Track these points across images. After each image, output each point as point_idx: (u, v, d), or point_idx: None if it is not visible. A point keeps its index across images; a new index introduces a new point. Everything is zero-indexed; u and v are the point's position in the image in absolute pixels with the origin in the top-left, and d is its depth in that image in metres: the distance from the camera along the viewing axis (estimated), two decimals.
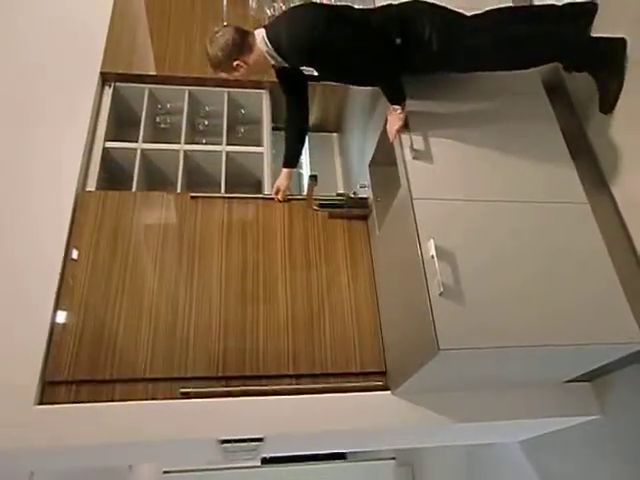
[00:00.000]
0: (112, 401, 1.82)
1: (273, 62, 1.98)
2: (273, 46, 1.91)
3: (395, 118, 1.95)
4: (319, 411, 1.89)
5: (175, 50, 2.67)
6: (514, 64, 2.03)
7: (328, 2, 2.66)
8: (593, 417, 2.01)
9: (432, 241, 1.64)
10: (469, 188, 1.83)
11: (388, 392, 1.93)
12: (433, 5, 1.97)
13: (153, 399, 1.84)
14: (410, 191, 1.80)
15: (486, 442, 2.90)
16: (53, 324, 1.91)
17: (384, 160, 2.10)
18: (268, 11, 2.80)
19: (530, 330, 1.59)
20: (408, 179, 1.83)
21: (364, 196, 2.28)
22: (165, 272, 2.09)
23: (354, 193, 2.29)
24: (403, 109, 1.93)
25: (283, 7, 2.76)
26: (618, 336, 1.61)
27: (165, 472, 4.20)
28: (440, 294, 1.57)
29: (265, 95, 2.68)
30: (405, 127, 1.94)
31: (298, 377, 1.95)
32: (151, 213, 2.23)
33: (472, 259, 1.67)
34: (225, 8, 2.86)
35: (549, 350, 1.60)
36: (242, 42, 1.93)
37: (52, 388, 1.83)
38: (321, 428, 1.90)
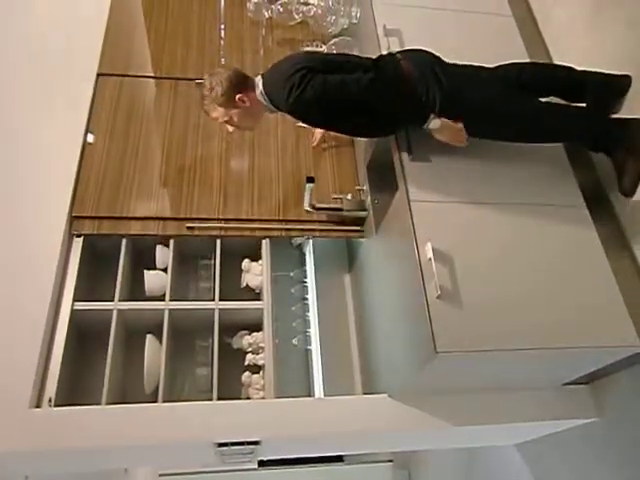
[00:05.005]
0: (129, 234, 2.13)
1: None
2: (271, 102, 1.83)
3: (449, 129, 1.76)
4: (316, 414, 1.88)
5: (172, 52, 2.66)
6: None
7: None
8: (591, 420, 2.00)
9: (429, 244, 1.64)
10: (467, 190, 1.83)
11: (385, 395, 1.92)
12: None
13: (163, 234, 2.14)
14: (407, 193, 1.80)
15: (483, 445, 2.89)
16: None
17: (381, 162, 2.10)
18: (266, 13, 2.80)
19: (527, 333, 1.58)
20: (405, 181, 1.82)
21: (361, 198, 2.27)
22: (175, 130, 2.39)
23: (351, 196, 2.27)
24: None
25: (281, 9, 2.76)
26: (616, 339, 1.61)
27: (161, 475, 4.17)
28: (437, 297, 1.57)
29: None
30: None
31: (287, 222, 2.22)
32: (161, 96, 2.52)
33: (470, 262, 1.67)
34: (223, 10, 2.86)
35: (547, 353, 1.60)
36: (245, 79, 1.84)
37: (78, 220, 2.09)
38: (318, 431, 1.89)
